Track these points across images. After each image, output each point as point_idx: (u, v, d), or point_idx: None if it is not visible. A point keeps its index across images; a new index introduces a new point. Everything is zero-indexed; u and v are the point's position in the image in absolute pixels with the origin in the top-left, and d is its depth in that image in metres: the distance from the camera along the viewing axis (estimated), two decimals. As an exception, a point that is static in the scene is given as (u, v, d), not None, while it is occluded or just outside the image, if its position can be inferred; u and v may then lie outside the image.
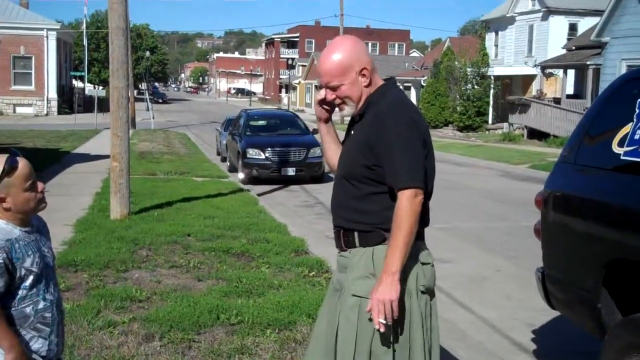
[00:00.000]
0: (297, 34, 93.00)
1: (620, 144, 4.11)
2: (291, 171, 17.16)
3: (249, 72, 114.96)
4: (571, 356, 5.78)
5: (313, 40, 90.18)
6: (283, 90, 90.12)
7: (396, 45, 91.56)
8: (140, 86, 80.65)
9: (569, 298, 4.56)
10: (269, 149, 17.38)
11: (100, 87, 60.85)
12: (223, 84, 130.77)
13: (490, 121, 39.20)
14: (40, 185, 2.94)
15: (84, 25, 47.64)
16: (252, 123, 19.64)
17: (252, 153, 17.29)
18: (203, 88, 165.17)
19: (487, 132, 38.24)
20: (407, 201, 2.94)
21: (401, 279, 2.95)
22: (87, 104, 49.25)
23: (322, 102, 3.36)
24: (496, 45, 43.59)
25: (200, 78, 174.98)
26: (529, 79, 39.32)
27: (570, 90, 35.01)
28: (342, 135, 3.41)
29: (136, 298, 6.45)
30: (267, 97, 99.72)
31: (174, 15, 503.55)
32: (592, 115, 4.68)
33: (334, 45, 3.19)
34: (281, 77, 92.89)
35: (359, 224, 3.14)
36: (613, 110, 4.46)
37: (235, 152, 18.65)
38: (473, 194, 15.87)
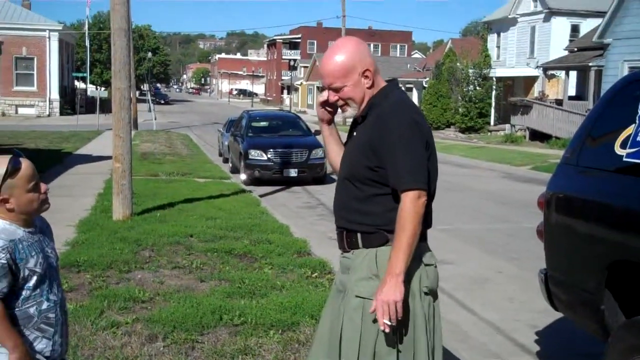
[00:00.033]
0: (299, 35, 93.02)
1: (623, 145, 4.11)
2: (293, 172, 17.17)
3: (251, 73, 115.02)
4: (574, 358, 5.78)
5: (315, 42, 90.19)
6: (285, 91, 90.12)
7: (398, 46, 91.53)
8: (142, 87, 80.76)
9: (571, 300, 4.56)
10: (271, 150, 17.39)
11: (102, 88, 60.81)
12: (225, 85, 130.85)
13: (492, 122, 39.18)
14: (43, 186, 2.95)
15: (86, 26, 47.58)
16: (254, 124, 19.65)
17: (254, 154, 17.30)
18: (205, 89, 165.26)
19: (489, 133, 38.23)
20: (410, 203, 2.94)
21: (405, 280, 2.96)
22: (89, 105, 49.27)
23: (324, 103, 3.37)
24: (498, 47, 43.57)
25: (202, 79, 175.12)
26: (531, 80, 39.30)
27: (572, 91, 34.99)
28: (344, 136, 3.42)
29: (139, 299, 6.46)
30: (269, 98, 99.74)
31: (176, 17, 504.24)
32: (594, 116, 4.68)
33: (336, 47, 3.20)
34: (283, 78, 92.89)
35: (362, 225, 3.15)
36: (615, 112, 4.46)
37: (237, 153, 18.65)
38: (475, 195, 15.87)
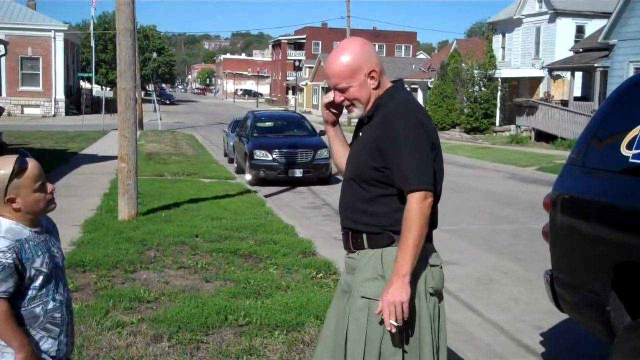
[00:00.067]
0: (304, 36, 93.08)
1: (629, 146, 4.10)
2: (298, 173, 17.18)
3: (256, 74, 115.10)
4: (579, 359, 5.78)
5: (320, 42, 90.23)
6: (290, 91, 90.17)
7: (403, 47, 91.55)
8: (147, 87, 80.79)
9: (577, 301, 4.55)
10: (276, 150, 17.40)
11: (108, 88, 60.96)
12: (230, 86, 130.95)
13: (497, 123, 39.14)
14: (49, 186, 2.95)
15: (92, 27, 47.69)
16: (259, 124, 19.67)
17: (260, 154, 17.31)
18: (210, 89, 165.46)
19: (494, 134, 38.19)
20: (416, 204, 2.94)
21: (410, 281, 2.96)
22: (95, 105, 49.40)
23: (329, 105, 3.37)
24: (503, 47, 43.53)
25: (207, 79, 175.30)
26: (536, 81, 39.26)
27: (577, 92, 34.94)
28: (348, 137, 3.42)
29: (144, 299, 6.46)
30: (274, 99, 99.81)
31: (181, 17, 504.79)
32: (600, 117, 4.67)
33: (342, 47, 3.19)
34: (288, 78, 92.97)
35: (367, 226, 3.15)
36: (621, 113, 4.45)
37: (242, 154, 18.67)
38: (480, 196, 15.85)
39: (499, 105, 39.00)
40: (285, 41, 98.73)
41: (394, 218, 3.06)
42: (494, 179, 19.72)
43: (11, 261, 2.77)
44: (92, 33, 46.27)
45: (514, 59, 41.96)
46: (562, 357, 5.83)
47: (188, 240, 9.10)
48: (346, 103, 3.23)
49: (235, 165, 20.31)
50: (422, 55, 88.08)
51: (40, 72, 47.05)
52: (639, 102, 4.24)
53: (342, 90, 3.19)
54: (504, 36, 43.58)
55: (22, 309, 2.87)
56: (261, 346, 5.33)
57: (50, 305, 2.94)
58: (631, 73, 25.81)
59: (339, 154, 3.47)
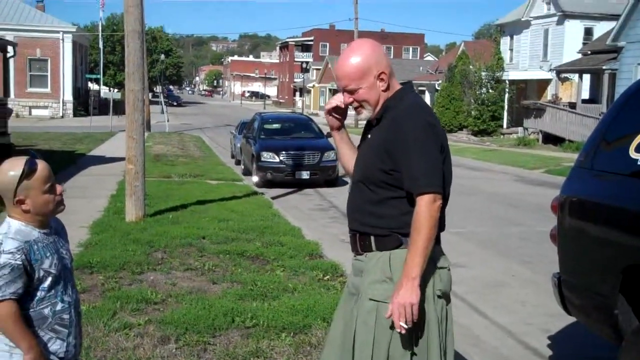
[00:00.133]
0: (312, 38, 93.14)
1: (638, 149, 4.09)
2: (305, 175, 17.18)
3: (263, 76, 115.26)
4: (587, 362, 5.76)
5: (327, 44, 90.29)
6: (297, 93, 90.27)
7: (410, 49, 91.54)
8: (155, 89, 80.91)
9: (585, 304, 4.54)
10: (283, 152, 17.40)
11: (116, 90, 61.09)
12: (237, 87, 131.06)
13: (504, 125, 39.07)
14: (59, 187, 2.96)
15: (100, 28, 47.83)
16: (267, 126, 19.68)
17: (267, 156, 17.33)
18: (217, 91, 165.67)
19: (501, 136, 38.12)
20: (425, 206, 2.94)
21: (419, 284, 2.96)
22: (103, 107, 49.50)
23: (331, 110, 3.37)
24: (511, 50, 43.45)
25: (215, 81, 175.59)
26: (544, 83, 39.18)
27: (585, 95, 34.84)
28: (356, 139, 3.42)
29: (151, 300, 6.47)
30: (281, 101, 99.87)
31: (189, 19, 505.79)
32: (608, 120, 4.66)
33: (352, 49, 3.19)
34: (295, 80, 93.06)
35: (376, 229, 3.15)
36: (630, 116, 4.44)
37: (249, 156, 18.69)
38: (488, 198, 15.82)
39: (506, 107, 38.92)
40: (293, 43, 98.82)
41: (402, 220, 3.06)
42: (502, 182, 19.68)
43: (20, 262, 2.78)
44: (100, 35, 46.38)
45: (522, 61, 41.88)
46: (570, 360, 5.82)
47: (195, 242, 9.11)
48: (355, 104, 3.23)
49: (243, 167, 20.33)
50: (429, 57, 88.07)
51: (49, 74, 47.20)
52: (647, 104, 4.23)
53: (351, 92, 3.19)
54: (511, 38, 43.50)
55: (31, 310, 2.88)
56: (268, 348, 5.34)
57: (59, 306, 2.95)
58: (639, 76, 25.74)
59: (347, 156, 3.47)
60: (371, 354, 3.04)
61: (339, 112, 3.37)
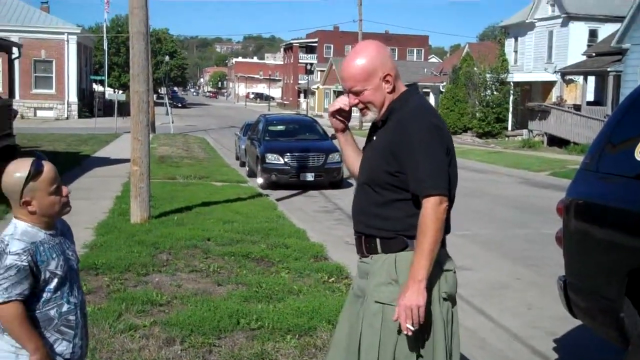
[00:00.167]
0: (316, 39, 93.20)
1: (644, 151, 4.08)
2: (310, 176, 17.18)
3: (268, 77, 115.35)
4: (592, 365, 5.74)
5: (332, 46, 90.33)
6: (302, 95, 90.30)
7: (415, 50, 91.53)
8: (159, 90, 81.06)
9: (591, 307, 4.53)
10: (288, 154, 17.41)
11: (120, 91, 61.07)
12: (242, 89, 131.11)
13: (509, 127, 39.04)
14: (65, 189, 2.97)
15: (105, 30, 47.88)
16: (271, 128, 19.69)
17: (271, 158, 17.34)
18: (222, 93, 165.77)
19: (506, 138, 38.09)
20: (431, 209, 2.94)
21: (426, 286, 2.96)
22: (107, 108, 49.58)
23: (335, 112, 3.37)
24: (515, 51, 43.42)
25: (219, 83, 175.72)
26: (549, 85, 39.13)
27: (590, 97, 34.80)
28: (361, 141, 3.41)
29: (157, 302, 6.48)
30: (285, 102, 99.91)
31: (194, 20, 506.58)
32: (613, 122, 4.66)
33: (358, 50, 3.19)
34: (300, 82, 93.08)
35: (381, 231, 3.14)
36: (635, 118, 4.44)
37: (254, 157, 18.70)
38: (493, 200, 15.80)
39: (511, 109, 38.89)
40: (297, 44, 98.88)
41: (407, 223, 3.06)
42: (506, 184, 19.65)
43: (26, 264, 2.78)
44: (105, 36, 46.42)
45: (527, 63, 41.85)
46: (575, 363, 5.80)
47: (200, 244, 9.11)
48: (360, 106, 3.23)
49: (247, 168, 20.35)
50: (434, 59, 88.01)
51: (54, 75, 47.29)
52: (653, 107, 4.22)
53: (357, 94, 3.19)
54: (516, 40, 43.48)
55: (37, 311, 2.89)
56: (273, 350, 5.34)
57: (65, 307, 2.95)
58: (644, 78, 25.70)
59: (352, 158, 3.47)
60: (377, 357, 3.04)
61: (343, 115, 3.37)
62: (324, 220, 12.88)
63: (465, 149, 31.90)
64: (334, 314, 5.80)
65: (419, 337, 3.03)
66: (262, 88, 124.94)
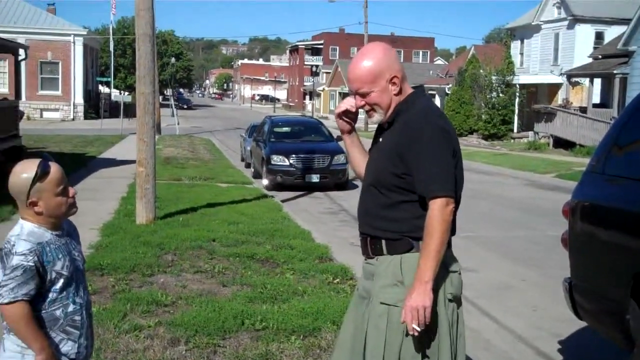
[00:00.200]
0: (322, 41, 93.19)
1: (650, 154, 4.08)
2: (315, 178, 17.19)
3: (273, 79, 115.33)
4: (597, 367, 5.73)
5: (337, 48, 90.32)
6: (307, 97, 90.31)
7: (420, 52, 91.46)
8: (165, 92, 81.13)
9: (596, 309, 4.53)
10: (293, 155, 17.42)
11: (126, 93, 61.36)
12: (247, 91, 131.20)
13: (515, 130, 38.98)
14: (71, 190, 2.98)
15: (111, 32, 48.00)
16: (277, 129, 19.69)
17: (277, 159, 17.35)
18: (227, 94, 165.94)
19: (512, 140, 38.04)
20: (438, 210, 2.95)
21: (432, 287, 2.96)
22: (113, 110, 49.65)
23: (342, 114, 3.37)
24: (522, 54, 43.36)
25: (225, 84, 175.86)
26: (555, 87, 39.06)
27: (596, 99, 34.72)
28: (367, 142, 3.42)
29: (162, 302, 6.49)
30: (291, 104, 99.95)
31: (199, 22, 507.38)
32: (620, 125, 4.65)
33: (365, 52, 3.20)
34: (305, 84, 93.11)
35: (387, 232, 3.15)
36: (642, 120, 4.43)
37: (259, 159, 18.71)
38: (498, 202, 15.78)
39: (516, 111, 38.83)
40: (303, 46, 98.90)
41: (413, 224, 3.06)
42: (512, 186, 19.63)
43: (32, 264, 2.79)
44: (111, 38, 46.55)
45: (533, 65, 41.78)
46: (581, 365, 5.79)
47: (205, 245, 9.12)
48: (367, 108, 3.23)
49: (252, 170, 20.36)
50: (439, 61, 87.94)
51: (60, 77, 47.40)
52: (659, 109, 4.21)
53: (363, 95, 3.19)
54: (522, 42, 43.41)
55: (43, 311, 2.90)
56: (278, 351, 5.34)
57: (71, 308, 2.96)
58: (651, 80, 25.64)
59: (358, 160, 3.47)
60: (382, 358, 3.04)
61: (350, 116, 3.37)
62: (329, 221, 12.88)
63: (471, 150, 31.86)
64: (339, 315, 5.81)
65: (425, 339, 3.04)
66: (267, 90, 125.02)
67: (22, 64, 22.61)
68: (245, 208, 12.64)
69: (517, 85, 38.65)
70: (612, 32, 36.20)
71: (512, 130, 39.01)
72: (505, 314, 7.09)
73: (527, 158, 28.74)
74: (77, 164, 19.38)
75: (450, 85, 44.33)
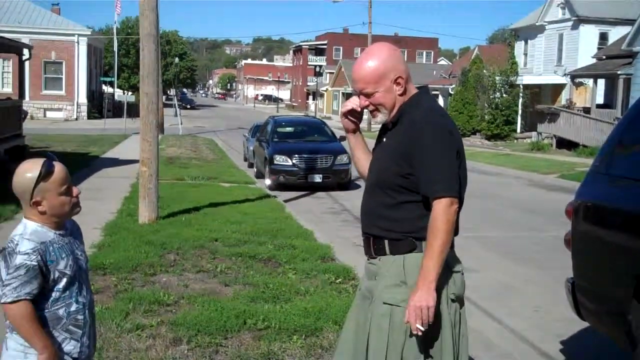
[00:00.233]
0: (325, 42, 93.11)
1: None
2: (318, 178, 17.19)
3: (277, 79, 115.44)
4: (600, 368, 5.73)
5: (341, 48, 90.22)
6: (310, 97, 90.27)
7: (424, 53, 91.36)
8: (168, 92, 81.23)
9: (599, 309, 4.52)
10: (296, 155, 17.42)
11: (130, 93, 61.34)
12: (251, 91, 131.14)
13: (518, 130, 38.95)
14: (75, 189, 2.98)
15: (115, 32, 48.05)
16: (280, 129, 19.70)
17: (279, 159, 17.36)
18: (231, 94, 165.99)
19: (515, 141, 38.01)
20: (442, 210, 2.95)
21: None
22: (117, 109, 49.73)
23: (347, 113, 3.37)
24: (525, 54, 43.33)
25: (228, 84, 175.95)
26: (559, 88, 39.03)
27: (600, 99, 34.68)
28: (370, 142, 3.42)
29: (164, 302, 6.49)
30: (294, 104, 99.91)
31: (203, 22, 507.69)
32: (624, 125, 4.65)
33: (369, 52, 3.20)
34: (308, 84, 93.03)
35: (390, 232, 3.15)
36: (645, 121, 4.43)
37: (262, 158, 18.72)
38: (501, 203, 15.77)
39: (520, 112, 38.81)
40: (306, 47, 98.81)
41: (416, 224, 3.06)
42: (515, 186, 19.62)
43: (35, 263, 2.80)
44: (115, 38, 46.58)
45: (536, 65, 41.75)
46: (583, 366, 5.78)
47: (207, 244, 9.13)
48: (371, 108, 3.23)
49: (255, 170, 20.37)
50: (443, 62, 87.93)
51: (63, 76, 47.44)
52: (663, 110, 4.21)
53: (368, 95, 3.19)
54: (526, 43, 43.39)
55: (46, 310, 2.90)
56: (280, 350, 5.35)
57: (73, 307, 2.97)
58: (654, 81, 25.61)
59: (362, 160, 3.47)
60: (385, 358, 3.04)
61: (355, 115, 3.38)
62: (331, 221, 12.88)
63: (474, 151, 31.83)
64: (341, 315, 5.81)
65: (427, 339, 3.04)
66: (270, 90, 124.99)
67: (26, 63, 22.66)
68: (247, 208, 12.65)
69: (521, 86, 38.62)
70: (616, 33, 36.18)
71: (515, 130, 38.98)
72: (508, 314, 7.09)
73: (530, 158, 28.71)
74: (80, 164, 19.38)
75: (453, 86, 44.30)
